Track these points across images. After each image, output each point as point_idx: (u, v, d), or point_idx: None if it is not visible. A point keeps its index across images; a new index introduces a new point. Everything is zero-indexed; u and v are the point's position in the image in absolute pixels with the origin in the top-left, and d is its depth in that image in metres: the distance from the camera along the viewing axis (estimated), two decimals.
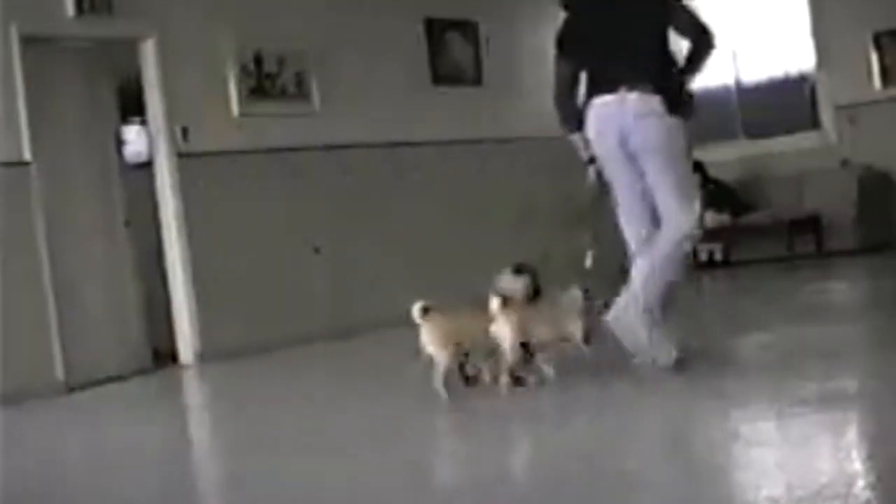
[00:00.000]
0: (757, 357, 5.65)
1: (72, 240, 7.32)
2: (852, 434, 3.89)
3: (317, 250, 8.49)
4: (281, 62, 8.42)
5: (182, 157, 7.87)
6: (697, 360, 5.09)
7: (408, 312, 4.92)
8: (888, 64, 10.40)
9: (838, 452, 3.61)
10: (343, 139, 8.74)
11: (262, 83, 8.32)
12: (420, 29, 9.56)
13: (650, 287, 4.91)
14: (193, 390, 7.42)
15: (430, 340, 4.85)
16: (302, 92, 8.55)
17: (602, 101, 4.97)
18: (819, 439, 3.80)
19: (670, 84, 4.93)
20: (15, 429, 6.12)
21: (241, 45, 8.20)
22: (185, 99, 7.90)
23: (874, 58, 10.41)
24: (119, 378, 7.32)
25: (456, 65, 9.84)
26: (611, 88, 4.92)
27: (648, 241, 5.00)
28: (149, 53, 7.79)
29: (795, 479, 3.28)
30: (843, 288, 8.60)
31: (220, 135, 8.09)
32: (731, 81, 11.58)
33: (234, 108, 8.16)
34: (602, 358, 5.05)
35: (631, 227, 5.13)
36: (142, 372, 7.56)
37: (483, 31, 9.99)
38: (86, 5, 7.32)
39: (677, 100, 4.92)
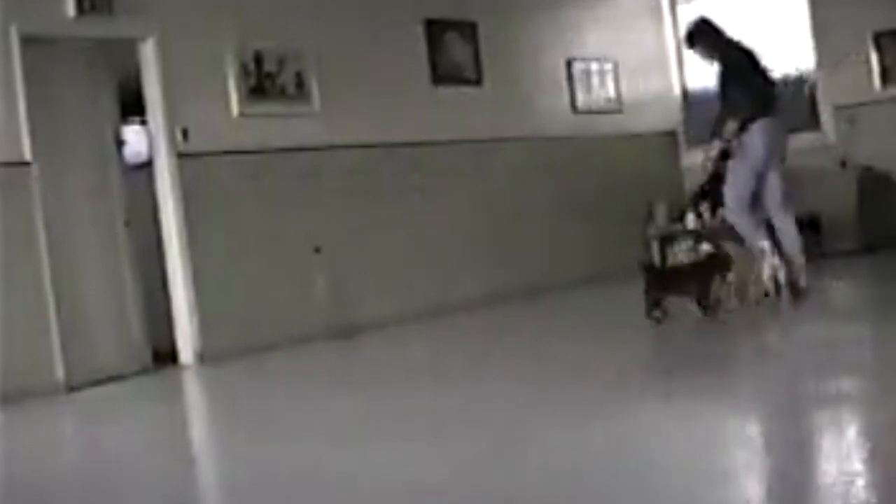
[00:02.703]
0: (757, 357, 5.65)
1: (72, 240, 7.32)
2: (852, 434, 3.89)
3: (317, 250, 8.49)
4: (281, 62, 8.42)
5: (182, 157, 7.87)
6: (698, 360, 5.09)
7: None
8: (888, 64, 10.40)
9: (838, 452, 3.61)
10: (343, 139, 8.74)
11: (262, 83, 8.32)
12: (420, 29, 9.56)
13: (789, 241, 7.23)
14: (193, 390, 7.41)
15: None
16: (302, 92, 8.55)
17: (771, 121, 7.25)
18: (819, 439, 3.79)
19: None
20: (15, 429, 6.12)
21: (241, 45, 8.20)
22: (185, 99, 7.89)
23: (874, 58, 10.40)
24: (119, 378, 7.32)
25: (456, 65, 9.84)
26: (773, 113, 7.31)
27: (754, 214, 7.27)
28: (149, 53, 7.79)
29: (795, 479, 3.28)
30: (842, 288, 8.60)
31: (220, 135, 8.08)
32: None
33: (234, 108, 8.16)
34: None
35: (750, 203, 7.26)
36: (142, 372, 7.56)
37: (482, 31, 10.00)
38: (86, 5, 7.32)
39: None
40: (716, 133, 7.30)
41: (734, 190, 7.27)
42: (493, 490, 3.59)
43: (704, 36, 7.59)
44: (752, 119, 7.16)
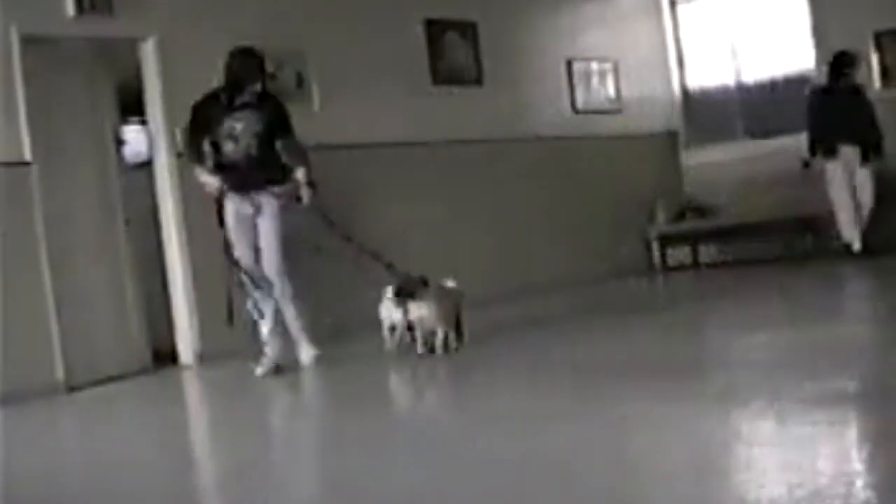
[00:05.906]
0: (757, 357, 5.65)
1: (72, 240, 7.32)
2: (852, 434, 3.89)
3: (317, 250, 8.48)
4: (281, 62, 8.41)
5: (182, 157, 7.86)
6: (698, 359, 5.08)
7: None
8: (888, 64, 10.40)
9: (838, 452, 3.61)
10: (343, 139, 8.74)
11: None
12: (420, 29, 9.56)
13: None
14: (193, 391, 7.41)
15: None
16: (302, 92, 8.55)
17: None
18: (819, 439, 3.79)
19: None
20: (15, 429, 6.11)
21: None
22: (185, 99, 7.88)
23: (874, 58, 10.40)
24: (119, 378, 7.33)
25: (456, 65, 9.84)
26: None
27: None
28: (149, 53, 7.80)
29: (795, 479, 3.28)
30: (842, 288, 8.60)
31: None
32: (731, 81, 11.59)
33: None
34: None
35: None
36: (142, 372, 7.56)
37: (482, 31, 10.00)
38: (86, 5, 7.33)
39: None
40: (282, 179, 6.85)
41: (283, 250, 6.97)
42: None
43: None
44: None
